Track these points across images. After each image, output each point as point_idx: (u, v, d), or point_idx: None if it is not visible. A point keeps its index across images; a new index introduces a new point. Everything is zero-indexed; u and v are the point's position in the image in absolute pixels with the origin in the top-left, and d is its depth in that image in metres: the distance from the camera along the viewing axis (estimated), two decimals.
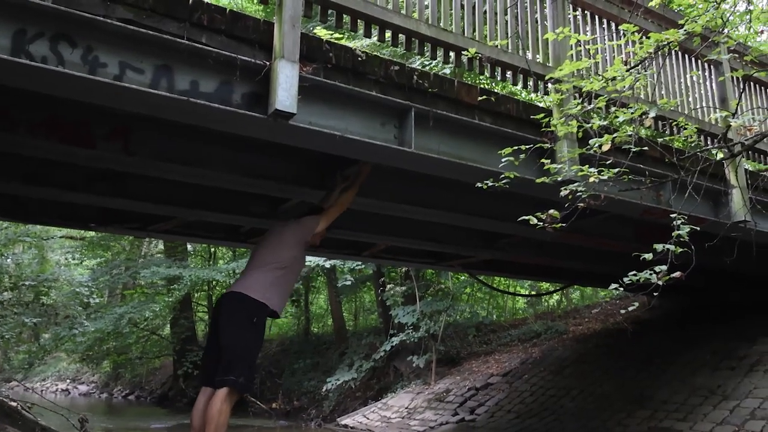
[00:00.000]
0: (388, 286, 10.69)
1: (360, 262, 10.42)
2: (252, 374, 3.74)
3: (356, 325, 16.15)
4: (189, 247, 16.47)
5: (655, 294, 3.17)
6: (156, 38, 3.07)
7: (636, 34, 3.90)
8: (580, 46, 4.43)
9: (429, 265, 8.33)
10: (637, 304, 3.68)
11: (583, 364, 8.33)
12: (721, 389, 6.16)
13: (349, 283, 11.60)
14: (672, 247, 3.18)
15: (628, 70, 3.43)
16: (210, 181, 4.45)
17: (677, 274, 3.11)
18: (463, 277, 11.60)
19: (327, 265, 10.57)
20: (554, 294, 12.96)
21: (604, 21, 5.04)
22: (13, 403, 6.19)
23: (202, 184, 4.58)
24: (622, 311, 3.85)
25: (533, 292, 13.40)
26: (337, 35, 4.67)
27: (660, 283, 3.26)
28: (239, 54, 3.31)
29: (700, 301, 8.87)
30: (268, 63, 3.34)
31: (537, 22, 4.63)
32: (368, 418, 9.66)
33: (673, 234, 3.29)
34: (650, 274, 3.12)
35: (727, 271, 7.26)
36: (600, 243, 6.38)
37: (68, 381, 24.51)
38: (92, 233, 14.97)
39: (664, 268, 3.09)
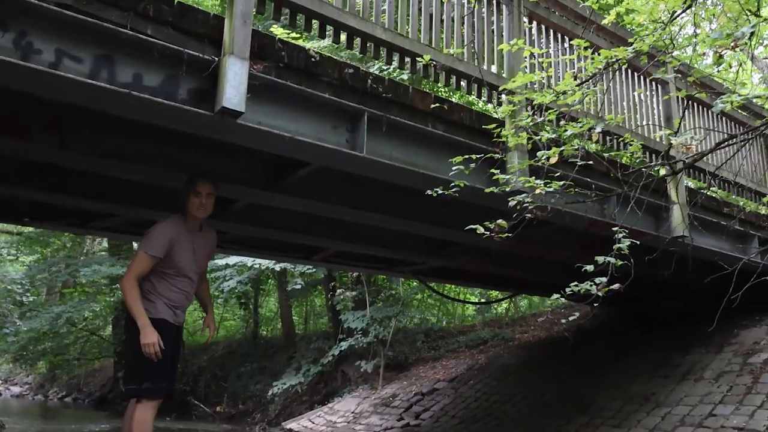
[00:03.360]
0: (338, 291, 10.63)
1: (311, 266, 10.34)
2: (158, 378, 3.61)
3: (306, 329, 16.00)
4: (135, 245, 16.01)
5: (595, 304, 3.24)
6: (97, 26, 2.93)
7: (587, 50, 3.97)
8: (533, 58, 4.48)
9: (379, 270, 8.31)
10: (577, 314, 3.76)
11: (527, 370, 8.44)
12: (655, 397, 6.34)
13: (299, 286, 11.48)
14: (612, 260, 3.23)
15: (578, 85, 3.47)
16: (152, 179, 4.30)
17: (616, 286, 3.17)
18: (414, 284, 11.63)
19: (277, 268, 10.43)
20: (503, 302, 13.11)
21: (559, 35, 5.12)
22: None
23: (143, 181, 4.42)
24: (563, 321, 3.89)
25: (482, 300, 13.53)
26: (294, 35, 4.61)
27: (600, 294, 3.32)
28: (187, 48, 3.20)
29: (641, 311, 9.10)
30: (216, 59, 3.24)
31: (493, 32, 4.67)
32: (314, 423, 9.56)
33: (614, 247, 3.34)
34: (590, 285, 3.16)
35: (667, 282, 7.52)
36: (547, 253, 6.48)
37: (0, 382, 23.53)
38: (30, 228, 14.41)
39: (604, 279, 3.14)
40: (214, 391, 13.73)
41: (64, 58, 2.88)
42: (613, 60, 3.36)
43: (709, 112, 6.36)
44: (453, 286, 12.61)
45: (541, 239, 6.03)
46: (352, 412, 9.22)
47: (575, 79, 3.43)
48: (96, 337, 17.09)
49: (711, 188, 6.76)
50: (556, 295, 3.39)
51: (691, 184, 6.82)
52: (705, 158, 6.09)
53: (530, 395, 7.57)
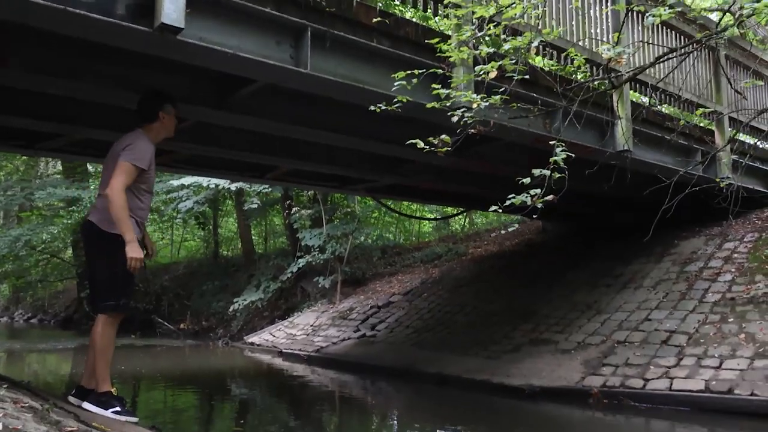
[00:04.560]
0: (294, 209, 10.76)
1: (267, 186, 10.40)
2: (130, 294, 3.73)
3: (266, 248, 16.23)
4: (90, 167, 15.74)
5: (534, 216, 3.43)
6: None
7: None
8: None
9: (334, 189, 8.43)
10: (516, 226, 3.94)
11: (478, 283, 8.83)
12: (596, 304, 6.75)
13: (255, 206, 11.57)
14: (547, 172, 3.39)
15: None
16: (96, 97, 4.26)
17: (550, 197, 3.34)
18: (371, 201, 11.82)
19: (233, 188, 10.47)
20: (458, 218, 13.43)
21: None
22: None
23: (88, 100, 4.37)
24: (502, 232, 4.08)
25: (437, 216, 13.84)
26: None
27: (538, 205, 3.50)
28: None
29: (589, 225, 9.50)
30: None
31: None
32: (274, 336, 9.92)
33: (550, 159, 3.50)
34: (525, 197, 3.33)
35: (616, 197, 7.82)
36: (497, 170, 6.65)
37: None
38: None
39: (539, 191, 3.31)
40: (177, 309, 13.99)
41: None
42: None
43: (655, 26, 6.42)
44: (409, 203, 12.84)
45: (490, 155, 6.18)
46: (311, 325, 9.58)
47: None
48: (57, 260, 17.05)
49: (655, 102, 6.93)
50: (493, 207, 3.55)
51: (636, 98, 6.97)
52: (651, 73, 6.25)
53: (480, 306, 7.96)
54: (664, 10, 3.28)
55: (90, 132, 5.01)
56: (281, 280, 11.14)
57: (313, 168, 6.57)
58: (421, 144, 3.47)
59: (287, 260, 11.84)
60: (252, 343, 10.10)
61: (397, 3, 8.32)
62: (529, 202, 3.38)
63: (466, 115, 3.48)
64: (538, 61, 5.97)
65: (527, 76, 3.94)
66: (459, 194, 8.58)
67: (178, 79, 4.27)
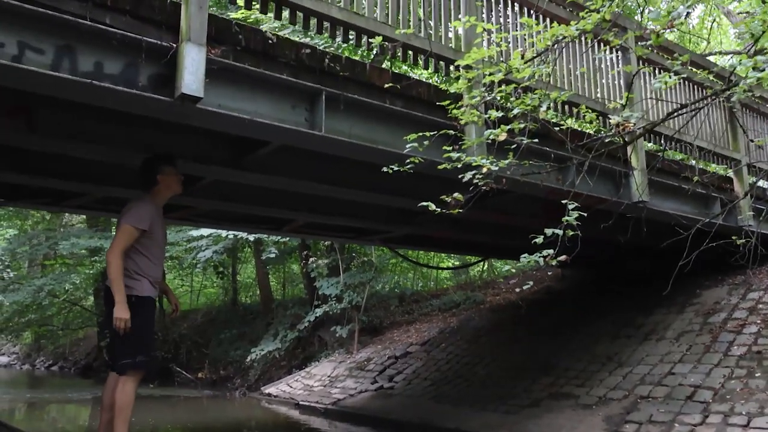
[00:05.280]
0: (311, 259, 10.82)
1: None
2: (149, 351, 3.81)
3: (284, 295, 16.25)
4: (114, 220, 16.02)
5: (553, 264, 3.43)
6: (57, 18, 3.02)
7: (539, 24, 4.08)
8: (490, 33, 4.58)
9: (350, 239, 8.49)
10: (531, 283, 3.94)
11: (497, 333, 8.74)
12: (617, 356, 6.63)
13: (273, 255, 11.66)
14: (560, 232, 3.41)
15: (526, 62, 3.61)
16: (118, 158, 4.41)
17: (563, 257, 3.35)
18: (388, 250, 11.84)
19: (251, 238, 10.58)
20: (476, 265, 13.39)
21: (516, 5, 5.22)
22: None
23: (110, 161, 4.52)
24: (517, 290, 4.09)
25: (456, 264, 13.81)
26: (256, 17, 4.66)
27: (552, 263, 3.51)
28: (145, 35, 3.29)
29: (607, 272, 9.41)
30: (174, 45, 3.33)
31: (450, 5, 4.75)
32: (291, 387, 9.85)
33: (562, 219, 3.52)
34: (539, 257, 3.35)
35: (632, 244, 7.77)
36: (512, 220, 6.67)
37: None
38: None
39: (552, 251, 3.33)
40: (196, 357, 13.97)
41: (26, 50, 2.97)
42: (561, 38, 3.48)
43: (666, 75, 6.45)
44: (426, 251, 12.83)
45: (504, 207, 6.21)
46: (329, 376, 9.51)
47: (522, 58, 3.55)
48: (78, 308, 17.23)
49: (669, 151, 6.92)
50: (507, 267, 3.57)
51: (650, 149, 6.98)
52: (665, 123, 6.27)
53: (499, 357, 7.87)
54: (670, 77, 3.34)
55: (111, 190, 5.16)
56: (298, 329, 11.13)
57: (328, 221, 6.65)
58: (432, 206, 3.51)
59: (305, 308, 11.84)
60: (269, 394, 10.04)
61: (406, 66, 8.45)
62: (542, 263, 3.39)
63: (478, 176, 3.53)
64: (550, 115, 6.05)
65: (536, 140, 3.99)
66: (475, 243, 8.59)
67: (195, 140, 4.40)
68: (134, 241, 3.77)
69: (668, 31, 4.56)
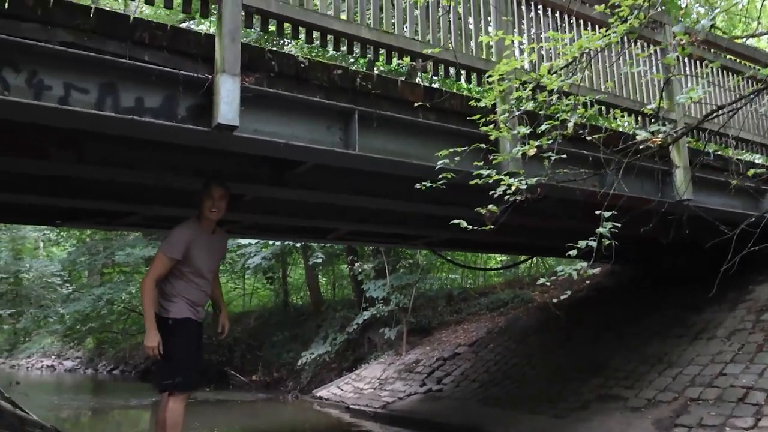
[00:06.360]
0: (357, 264, 10.97)
1: None
2: (189, 373, 3.95)
3: (334, 295, 16.46)
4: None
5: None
6: (98, 59, 3.19)
7: (571, 32, 4.07)
8: (521, 43, 4.58)
9: (394, 244, 8.60)
10: (569, 292, 3.94)
11: (545, 332, 8.69)
12: (667, 357, 6.51)
13: (319, 260, 11.86)
14: (593, 243, 3.41)
15: (551, 73, 3.61)
16: (162, 182, 4.60)
17: (597, 270, 3.35)
18: None
19: (298, 244, 10.80)
20: (521, 264, 13.29)
21: (549, 10, 5.19)
22: None
23: (155, 185, 4.72)
24: (554, 300, 4.09)
25: (504, 261, 13.74)
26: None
27: (586, 274, 3.52)
28: (182, 69, 3.43)
29: (658, 268, 9.21)
30: (210, 76, 3.47)
31: (480, 14, 4.77)
32: (342, 390, 10.02)
33: (596, 231, 3.51)
34: (572, 270, 3.36)
35: (680, 241, 7.58)
36: (552, 223, 6.62)
37: (53, 357, 24.68)
38: None
39: (585, 264, 3.34)
40: (250, 360, 14.31)
41: (72, 90, 3.16)
42: (586, 50, 3.48)
43: (710, 68, 6.26)
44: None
45: (543, 211, 6.15)
46: (378, 379, 9.64)
47: (549, 72, 3.56)
48: (136, 314, 17.88)
49: (713, 145, 6.72)
50: (542, 280, 3.59)
51: (694, 145, 6.81)
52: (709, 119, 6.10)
53: (547, 357, 7.83)
54: (702, 85, 3.29)
55: (160, 210, 5.39)
56: (348, 331, 11.30)
57: (370, 228, 6.74)
58: (464, 224, 3.56)
59: (353, 310, 12.01)
60: (321, 397, 10.24)
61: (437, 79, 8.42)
62: (575, 276, 3.40)
63: (508, 192, 3.55)
64: (590, 116, 5.97)
65: (563, 155, 3.98)
66: (518, 244, 8.55)
67: (235, 162, 4.53)
68: (170, 267, 3.94)
69: (709, 28, 4.46)
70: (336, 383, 10.54)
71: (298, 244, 10.78)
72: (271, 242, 11.19)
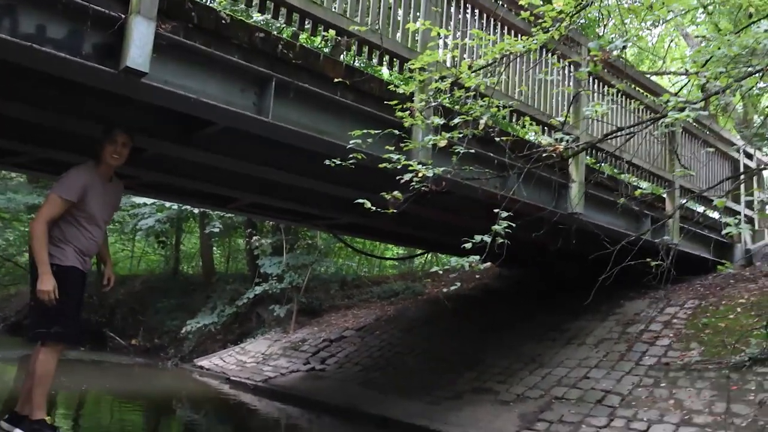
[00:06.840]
0: (255, 237, 10.81)
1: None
2: (68, 323, 3.74)
3: (227, 269, 16.14)
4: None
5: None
6: None
7: (494, 35, 4.20)
8: (447, 37, 4.67)
9: (295, 222, 8.53)
10: (459, 284, 4.08)
11: (430, 325, 8.95)
12: (540, 358, 6.90)
13: (217, 230, 11.58)
14: (488, 239, 3.55)
15: (472, 71, 3.72)
16: (62, 124, 4.33)
17: (488, 269, 3.49)
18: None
19: (196, 210, 10.49)
20: (417, 258, 13.58)
21: (477, 12, 5.32)
22: None
23: (52, 127, 4.43)
24: (444, 290, 4.23)
25: (401, 253, 13.98)
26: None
27: (477, 269, 3.68)
28: (92, 3, 3.24)
29: (544, 274, 9.71)
30: (123, 16, 3.30)
31: (411, 5, 4.82)
32: (224, 361, 9.87)
33: (492, 228, 3.66)
34: (465, 262, 3.49)
35: (566, 250, 8.04)
36: (455, 219, 6.81)
37: None
38: None
39: (477, 257, 3.47)
40: (131, 324, 13.79)
41: None
42: (508, 53, 3.61)
43: (615, 90, 6.64)
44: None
45: (447, 205, 6.34)
46: (262, 354, 9.57)
47: (469, 68, 3.67)
48: (11, 263, 16.74)
49: (608, 167, 7.18)
50: (436, 268, 3.70)
51: (590, 163, 7.23)
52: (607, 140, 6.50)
53: (430, 349, 8.06)
54: (607, 102, 3.51)
55: (54, 153, 5.05)
56: (237, 304, 11.13)
57: (273, 203, 6.67)
58: (368, 204, 3.60)
59: (245, 285, 11.83)
60: (201, 367, 10.03)
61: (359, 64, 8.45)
62: (467, 268, 3.53)
63: (415, 180, 3.63)
64: (499, 121, 6.20)
65: (473, 150, 4.11)
66: (418, 237, 8.73)
67: (143, 114, 4.33)
68: (63, 211, 3.72)
69: (620, 49, 4.75)
70: (219, 354, 10.37)
71: (196, 211, 10.45)
72: (167, 205, 10.78)
